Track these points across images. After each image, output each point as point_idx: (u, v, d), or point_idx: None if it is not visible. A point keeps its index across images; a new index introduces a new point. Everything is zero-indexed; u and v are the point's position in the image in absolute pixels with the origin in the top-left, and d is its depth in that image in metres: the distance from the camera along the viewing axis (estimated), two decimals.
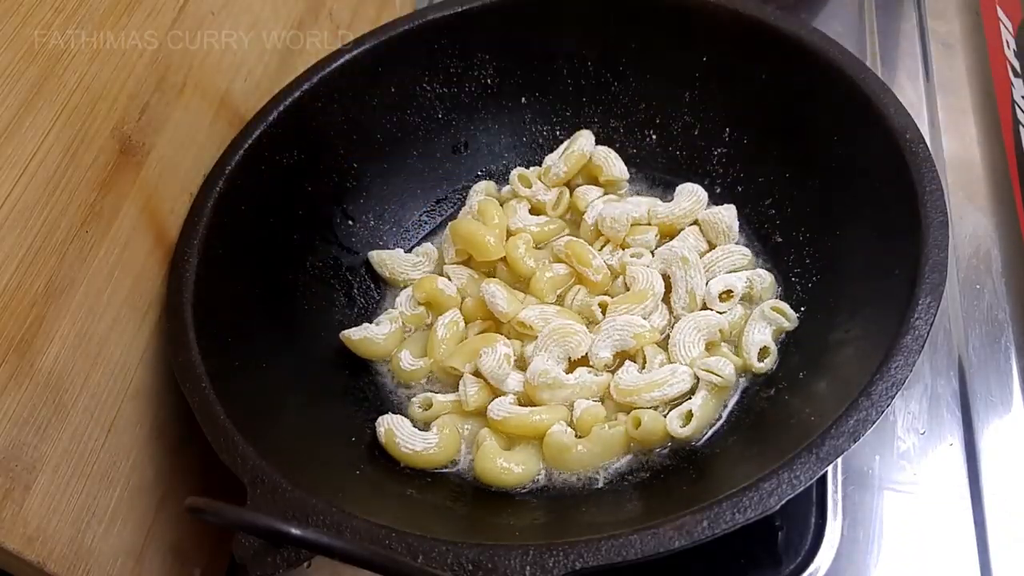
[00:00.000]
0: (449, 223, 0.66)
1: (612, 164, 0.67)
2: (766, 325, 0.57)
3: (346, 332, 0.61)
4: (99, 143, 0.47)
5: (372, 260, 0.66)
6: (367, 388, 0.60)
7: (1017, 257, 0.66)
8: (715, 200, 0.65)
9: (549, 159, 0.69)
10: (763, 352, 0.56)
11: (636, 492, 0.52)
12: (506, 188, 0.69)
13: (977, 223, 0.69)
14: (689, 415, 0.53)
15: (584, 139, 0.68)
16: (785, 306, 0.57)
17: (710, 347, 0.57)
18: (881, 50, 0.81)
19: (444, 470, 0.55)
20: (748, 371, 0.56)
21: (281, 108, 0.60)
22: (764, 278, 0.60)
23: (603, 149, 0.68)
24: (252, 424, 0.48)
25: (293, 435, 0.52)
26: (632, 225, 0.63)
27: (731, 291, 0.58)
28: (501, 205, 0.67)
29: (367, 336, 0.60)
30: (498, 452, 0.54)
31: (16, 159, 0.42)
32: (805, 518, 0.55)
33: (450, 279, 0.63)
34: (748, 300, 0.60)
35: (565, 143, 0.69)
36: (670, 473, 0.53)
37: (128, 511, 0.49)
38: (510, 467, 0.54)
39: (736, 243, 0.63)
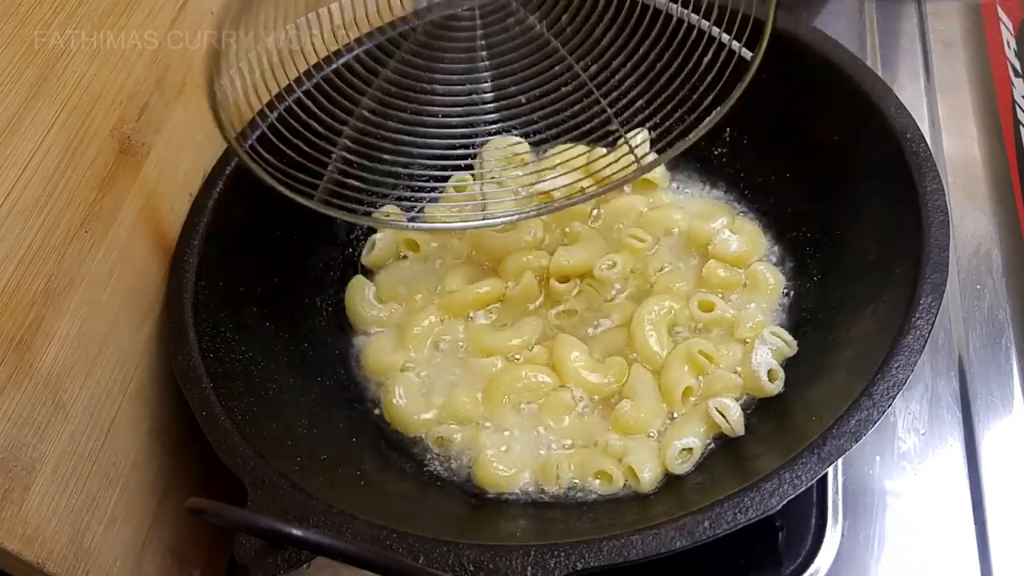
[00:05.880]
0: None
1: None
2: (768, 350, 0.55)
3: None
4: (98, 143, 0.47)
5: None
6: (368, 387, 0.60)
7: (1017, 257, 0.66)
8: (714, 200, 0.65)
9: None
10: (771, 374, 0.54)
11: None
12: None
13: (977, 223, 0.69)
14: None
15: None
16: (784, 332, 0.56)
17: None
18: (881, 50, 0.81)
19: (446, 475, 0.55)
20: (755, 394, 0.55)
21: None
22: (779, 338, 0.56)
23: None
24: (252, 424, 0.48)
25: (293, 435, 0.52)
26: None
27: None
28: None
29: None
30: (497, 457, 0.54)
31: (16, 159, 0.42)
32: (806, 518, 0.55)
33: None
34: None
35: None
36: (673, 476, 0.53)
37: (128, 511, 0.49)
38: (508, 471, 0.54)
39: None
